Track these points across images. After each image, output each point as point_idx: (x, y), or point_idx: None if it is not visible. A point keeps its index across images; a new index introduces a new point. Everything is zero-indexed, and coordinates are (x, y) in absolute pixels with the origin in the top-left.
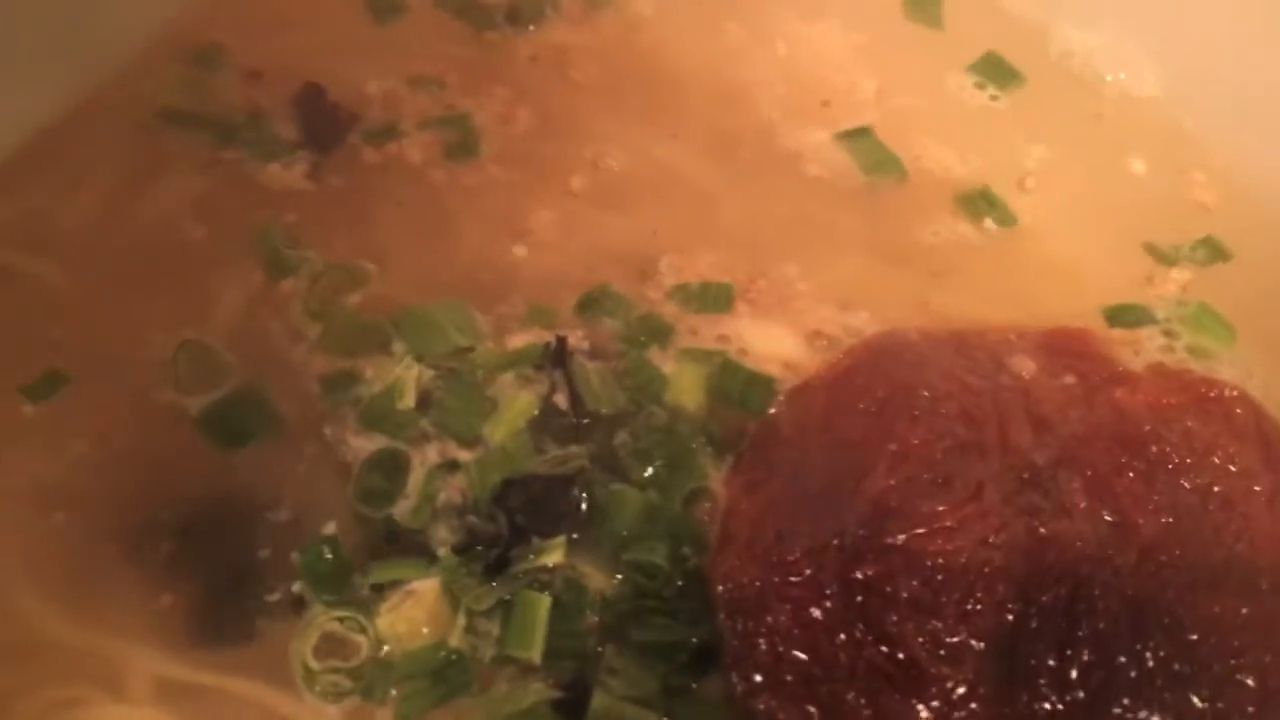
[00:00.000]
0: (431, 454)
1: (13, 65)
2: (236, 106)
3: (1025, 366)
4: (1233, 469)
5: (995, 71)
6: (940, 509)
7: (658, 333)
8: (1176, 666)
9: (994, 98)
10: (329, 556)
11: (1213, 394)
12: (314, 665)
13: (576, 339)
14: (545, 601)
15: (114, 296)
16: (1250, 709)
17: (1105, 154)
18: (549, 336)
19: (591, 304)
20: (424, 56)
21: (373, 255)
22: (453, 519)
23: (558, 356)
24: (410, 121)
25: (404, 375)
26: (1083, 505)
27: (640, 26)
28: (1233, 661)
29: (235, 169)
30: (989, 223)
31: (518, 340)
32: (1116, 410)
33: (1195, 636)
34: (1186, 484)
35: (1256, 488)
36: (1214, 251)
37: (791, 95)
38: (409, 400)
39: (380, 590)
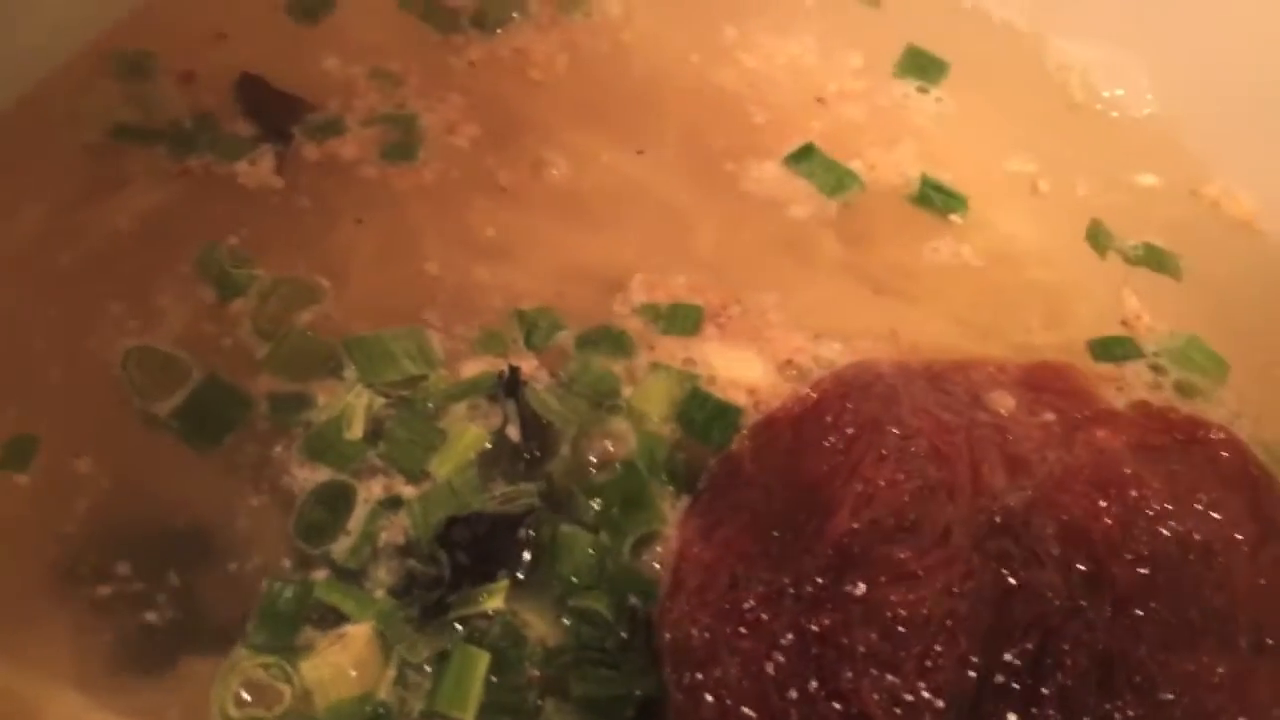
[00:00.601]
0: (376, 489)
1: None
2: (183, 112)
3: (1003, 403)
4: (1216, 516)
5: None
6: (904, 556)
7: (619, 344)
8: None
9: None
10: (291, 600)
11: (1199, 435)
12: (233, 713)
13: (532, 367)
14: (484, 658)
15: (53, 314)
16: None
17: (1099, 172)
18: (503, 364)
19: (548, 324)
20: (376, 53)
21: (327, 270)
22: (393, 559)
23: (510, 386)
24: (356, 117)
25: (354, 403)
26: (1056, 553)
27: (610, 33)
28: None
29: (205, 175)
30: (969, 246)
31: (471, 368)
32: (1096, 451)
33: (1169, 696)
34: (1166, 531)
35: (1239, 536)
36: (1207, 279)
37: (770, 107)
38: (357, 430)
39: (309, 636)
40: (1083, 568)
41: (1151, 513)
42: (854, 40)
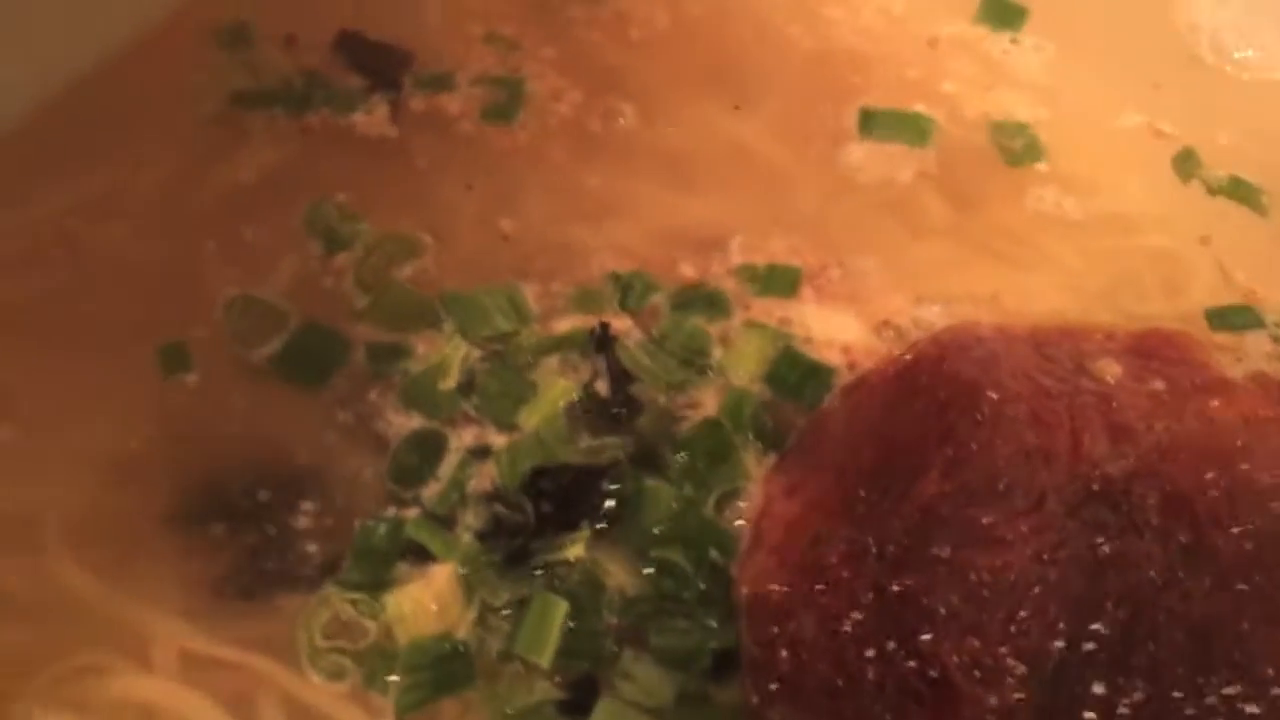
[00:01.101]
0: (468, 437)
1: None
2: (291, 73)
3: (1110, 370)
4: None
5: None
6: (993, 520)
7: (714, 304)
8: (1245, 706)
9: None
10: (383, 538)
11: None
12: (320, 644)
13: (625, 325)
14: (563, 607)
15: (177, 263)
16: None
17: (1227, 137)
18: (595, 321)
19: (643, 285)
20: (479, 14)
21: (431, 227)
22: (480, 506)
23: (601, 341)
24: (466, 75)
25: (450, 355)
26: (1156, 523)
27: None
28: None
29: (323, 130)
30: (1082, 210)
31: (565, 324)
32: (1206, 421)
33: (1270, 672)
34: (1277, 506)
35: None
36: None
37: (867, 63)
38: (451, 381)
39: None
40: (1183, 539)
41: (1261, 486)
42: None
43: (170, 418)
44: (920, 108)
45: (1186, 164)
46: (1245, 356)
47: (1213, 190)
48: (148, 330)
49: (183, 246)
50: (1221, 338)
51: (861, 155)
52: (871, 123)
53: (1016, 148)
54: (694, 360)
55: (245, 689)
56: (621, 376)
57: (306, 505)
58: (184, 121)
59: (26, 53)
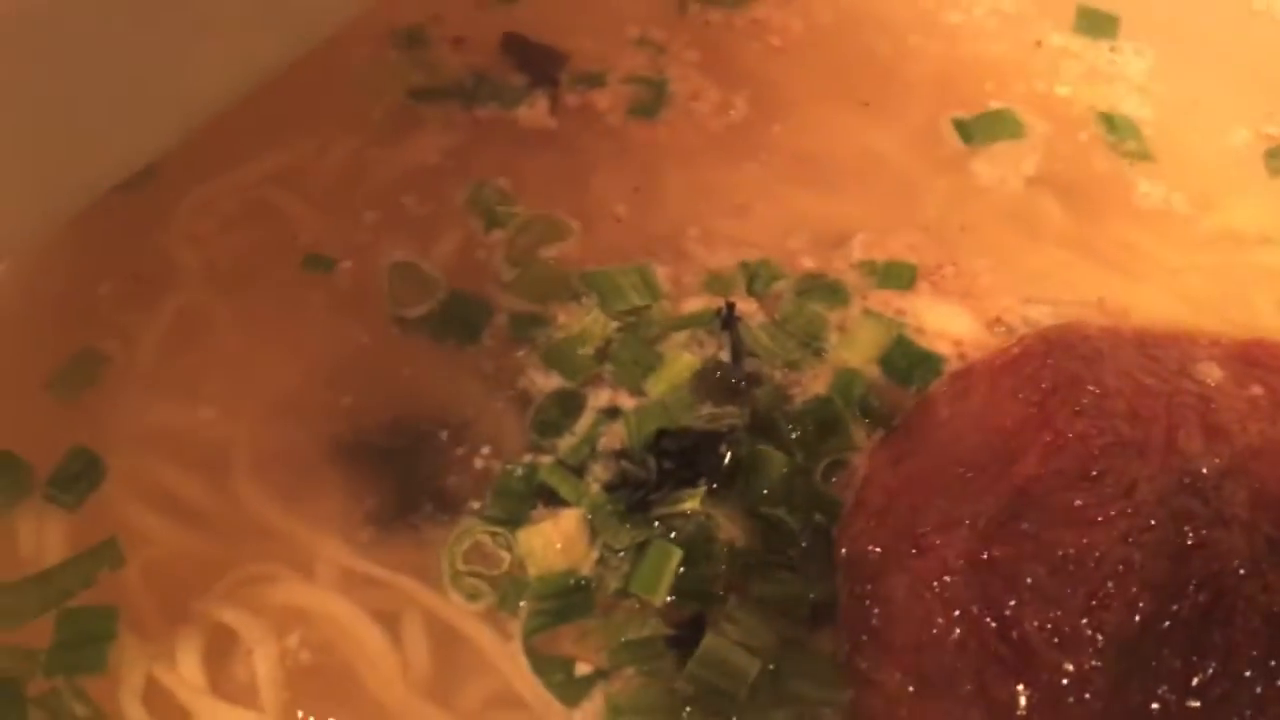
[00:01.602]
0: (602, 399)
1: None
2: (462, 72)
3: (1211, 374)
4: None
5: None
6: (1083, 502)
7: (833, 293)
8: None
9: None
10: (521, 480)
11: None
12: (461, 568)
13: (750, 308)
14: (677, 554)
15: (351, 233)
16: None
17: None
18: (722, 302)
19: (769, 273)
20: (628, 19)
21: (579, 212)
22: (608, 460)
23: (726, 320)
24: (616, 75)
25: (590, 324)
26: (1243, 517)
27: (851, 4)
28: None
29: (491, 122)
30: (1198, 220)
31: (693, 305)
32: None
33: None
34: None
35: None
36: None
37: (1008, 80)
38: (590, 348)
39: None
40: (1269, 533)
41: None
42: None
43: (341, 367)
44: (1035, 112)
45: (1276, 159)
46: None
47: None
48: (320, 289)
49: (356, 218)
50: None
51: (986, 163)
52: (968, 131)
53: (1129, 148)
54: (811, 343)
55: (393, 605)
56: (743, 353)
57: (456, 449)
58: (365, 111)
59: (233, 45)
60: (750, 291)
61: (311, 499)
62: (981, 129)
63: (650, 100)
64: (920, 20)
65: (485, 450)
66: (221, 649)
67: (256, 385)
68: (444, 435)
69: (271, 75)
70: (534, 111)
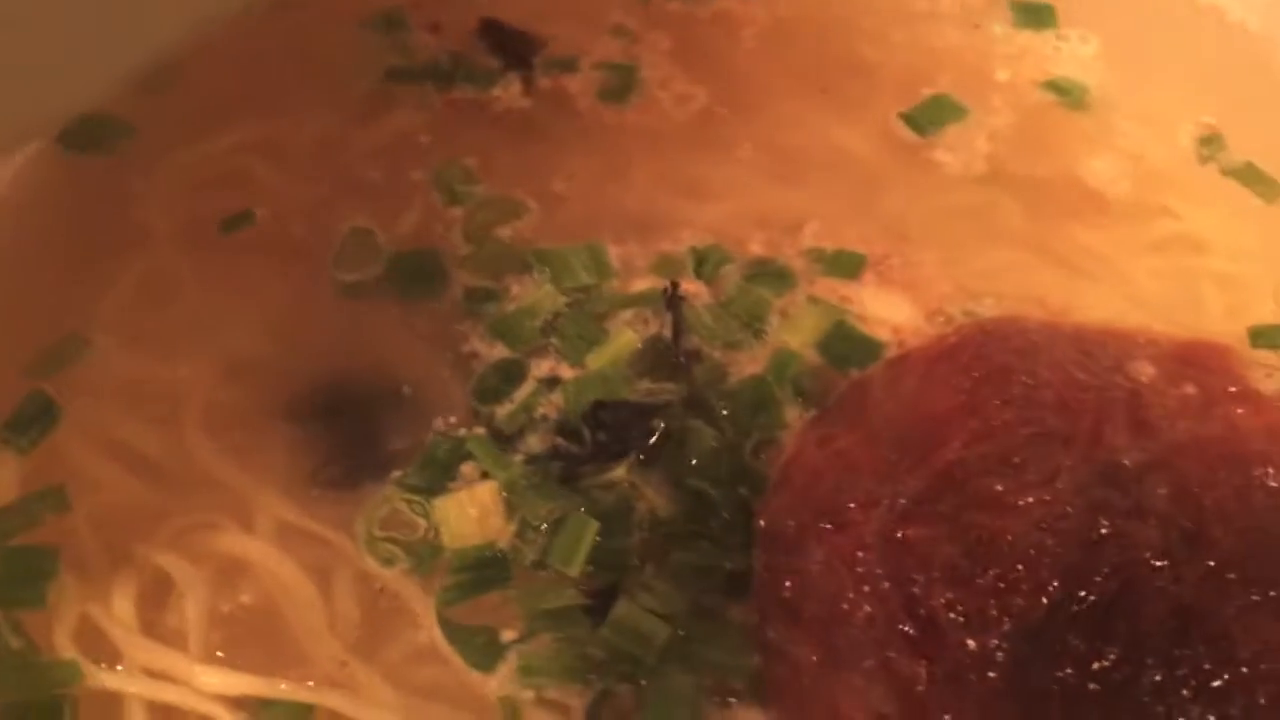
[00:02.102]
0: (543, 369)
1: None
2: (439, 55)
3: (1144, 371)
4: None
5: None
6: (1002, 488)
7: (780, 278)
8: (1214, 681)
9: None
10: (448, 450)
11: None
12: (377, 534)
13: (697, 289)
14: (594, 527)
15: (320, 201)
16: None
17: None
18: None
19: (718, 258)
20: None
21: (539, 193)
22: (544, 430)
23: (670, 300)
24: (589, 60)
25: (541, 298)
26: (1162, 510)
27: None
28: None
29: (465, 103)
30: (1153, 228)
31: (643, 284)
32: (1229, 426)
33: (1246, 655)
34: None
35: None
36: None
37: (966, 68)
38: (538, 320)
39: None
40: (1185, 526)
41: (1270, 489)
42: None
43: (298, 331)
44: (992, 95)
45: (1209, 146)
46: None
47: (1225, 172)
48: (283, 256)
49: (324, 188)
50: (1262, 354)
51: (949, 161)
52: (917, 123)
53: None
54: (753, 324)
55: (327, 561)
56: (684, 331)
57: (402, 414)
58: (343, 89)
59: None
60: (698, 274)
61: (258, 455)
62: (928, 118)
63: (620, 86)
64: (888, 10)
65: (430, 416)
66: (157, 592)
67: (215, 345)
68: (391, 400)
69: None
70: (507, 94)
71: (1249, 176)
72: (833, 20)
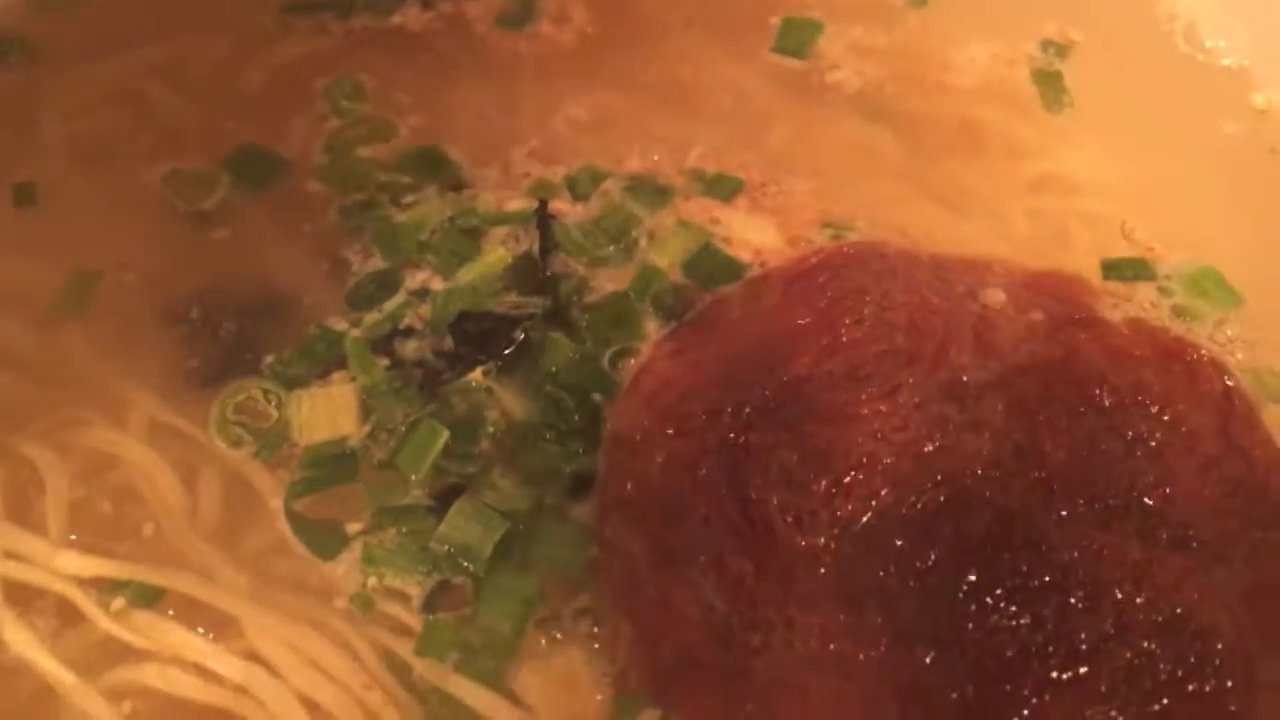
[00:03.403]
0: (416, 280)
1: None
2: None
3: (995, 298)
4: (1179, 428)
5: None
6: (844, 399)
7: (655, 193)
8: (1034, 582)
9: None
10: (324, 346)
11: (1184, 354)
12: (230, 417)
13: (568, 208)
14: (443, 434)
15: (214, 119)
16: (1087, 638)
17: (1188, 119)
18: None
19: (590, 176)
20: None
21: (433, 113)
22: (411, 339)
23: (540, 219)
24: None
25: (427, 212)
26: (998, 425)
27: None
28: (1091, 591)
29: (366, 31)
30: (1037, 170)
31: (517, 204)
32: (1070, 349)
33: (1064, 558)
34: (1119, 428)
35: (1197, 450)
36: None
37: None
38: (423, 235)
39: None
40: (1018, 440)
41: (1107, 407)
42: None
43: (181, 243)
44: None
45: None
46: (1126, 305)
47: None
48: (169, 167)
49: (217, 109)
50: (1112, 285)
51: (840, 99)
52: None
53: (981, 107)
54: (622, 240)
55: (193, 457)
56: (551, 248)
57: (275, 319)
58: (241, 17)
59: None
60: (573, 194)
61: (136, 357)
62: (794, 42)
63: (518, 13)
64: None
65: (307, 322)
66: (26, 483)
67: (99, 254)
68: (269, 307)
69: None
70: (405, 19)
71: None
72: None
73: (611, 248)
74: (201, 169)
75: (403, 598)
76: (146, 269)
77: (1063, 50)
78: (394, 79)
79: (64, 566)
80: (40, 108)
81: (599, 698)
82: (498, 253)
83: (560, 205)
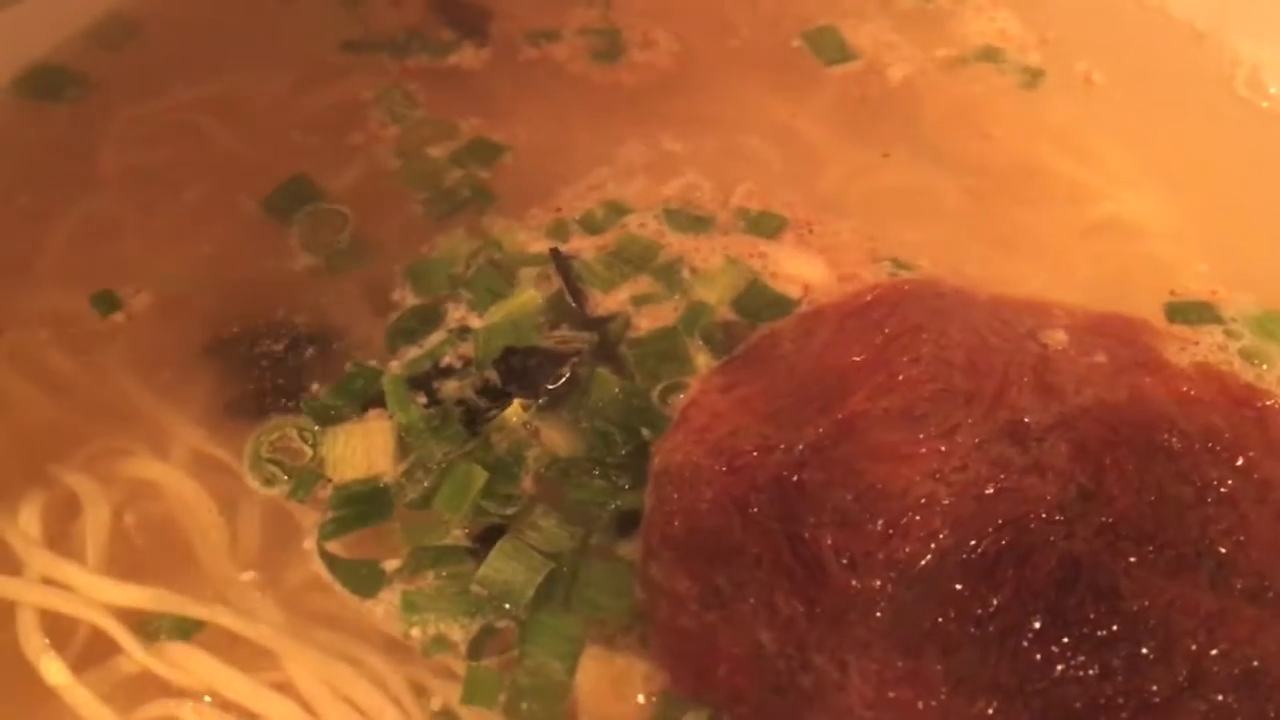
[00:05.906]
0: (455, 317)
1: None
2: (395, 28)
3: (1056, 339)
4: (1252, 475)
5: None
6: (900, 438)
7: (692, 221)
8: (1101, 632)
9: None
10: (362, 381)
11: (1253, 400)
12: (264, 454)
13: (585, 244)
14: (482, 477)
15: (269, 156)
16: (1159, 690)
17: (1249, 164)
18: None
19: (619, 210)
20: None
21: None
22: (452, 376)
23: (558, 264)
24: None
25: (455, 245)
26: (1061, 468)
27: None
28: (1163, 641)
29: (422, 69)
30: (1097, 215)
31: (539, 245)
32: (1136, 393)
33: (1134, 608)
34: (1188, 473)
35: (1270, 498)
36: None
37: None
38: (449, 269)
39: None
40: (1082, 483)
41: (1175, 452)
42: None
43: (230, 275)
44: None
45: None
46: (1193, 349)
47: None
48: (223, 202)
49: (273, 144)
50: (1177, 329)
51: (900, 148)
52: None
53: (1043, 154)
54: (645, 267)
55: (235, 489)
56: (578, 290)
57: (316, 353)
58: (300, 55)
59: None
60: (589, 230)
61: (180, 388)
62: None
63: (607, 49)
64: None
65: (348, 358)
66: (66, 510)
67: (147, 284)
68: (310, 340)
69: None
70: (462, 56)
71: None
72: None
73: (636, 272)
74: (252, 203)
75: (447, 643)
76: (192, 300)
77: (1122, 96)
78: (448, 114)
79: (100, 595)
80: (97, 140)
81: (639, 699)
82: (529, 293)
83: (579, 242)
